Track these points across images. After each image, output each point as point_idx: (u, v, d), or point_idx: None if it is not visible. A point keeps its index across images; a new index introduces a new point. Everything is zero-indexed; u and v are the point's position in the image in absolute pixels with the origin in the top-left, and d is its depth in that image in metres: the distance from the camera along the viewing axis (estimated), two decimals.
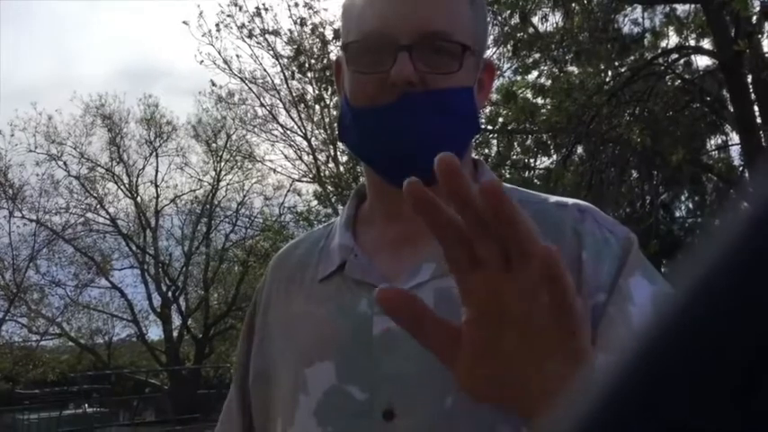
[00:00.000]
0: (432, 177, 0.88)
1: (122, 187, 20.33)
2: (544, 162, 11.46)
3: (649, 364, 0.21)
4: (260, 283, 1.04)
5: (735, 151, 11.30)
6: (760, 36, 8.73)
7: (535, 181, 10.62)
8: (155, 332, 21.47)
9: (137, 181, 20.52)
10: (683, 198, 13.75)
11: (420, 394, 0.81)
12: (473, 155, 1.00)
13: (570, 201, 0.92)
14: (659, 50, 10.38)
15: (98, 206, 20.18)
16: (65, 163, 19.67)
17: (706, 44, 9.94)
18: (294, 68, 12.48)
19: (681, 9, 10.49)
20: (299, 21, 12.44)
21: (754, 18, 8.29)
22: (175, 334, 20.69)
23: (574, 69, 10.43)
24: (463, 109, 0.88)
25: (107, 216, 20.27)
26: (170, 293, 20.56)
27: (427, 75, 0.84)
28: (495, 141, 11.09)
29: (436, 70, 0.84)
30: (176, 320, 20.84)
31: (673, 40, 10.79)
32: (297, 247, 1.03)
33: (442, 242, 0.55)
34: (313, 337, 0.89)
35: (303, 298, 0.94)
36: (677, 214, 13.66)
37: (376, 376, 0.83)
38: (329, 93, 12.16)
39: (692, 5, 9.70)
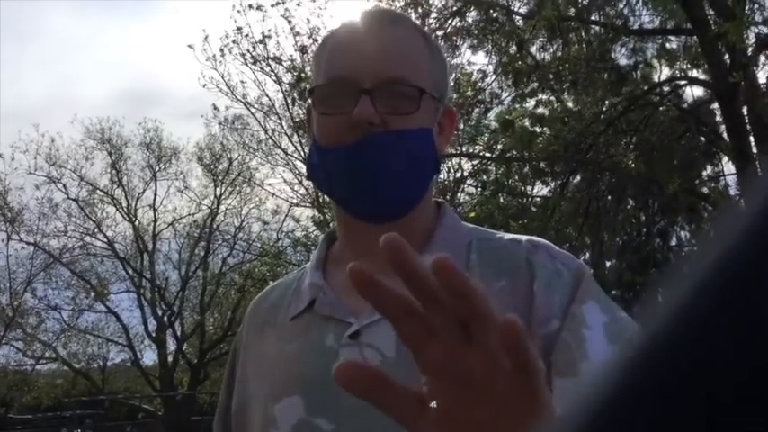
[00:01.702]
0: (392, 212, 0.94)
1: (121, 211, 20.35)
2: (542, 190, 11.52)
3: (615, 399, 0.22)
4: (239, 330, 1.09)
5: (731, 180, 11.36)
6: (755, 68, 8.83)
7: (532, 208, 10.67)
8: (149, 357, 21.35)
9: (136, 204, 20.55)
10: (678, 227, 13.79)
11: (382, 425, 0.84)
12: (444, 195, 1.04)
13: (524, 237, 0.97)
14: (656, 80, 10.49)
15: (96, 230, 20.17)
16: (64, 186, 19.70)
17: (700, 75, 10.05)
18: (295, 95, 12.58)
19: (676, 40, 10.61)
20: (300, 48, 12.54)
21: (750, 50, 8.40)
22: (170, 359, 20.55)
23: (571, 98, 10.52)
24: (422, 148, 0.94)
25: (105, 240, 20.25)
26: (166, 318, 20.46)
27: (387, 116, 0.90)
28: (492, 168, 11.14)
29: (395, 111, 0.91)
30: (171, 345, 20.72)
31: (669, 70, 10.91)
32: (271, 291, 1.08)
33: (391, 320, 0.53)
34: (283, 373, 0.94)
35: (276, 337, 0.99)
36: (673, 242, 13.68)
37: (342, 408, 0.87)
38: None
39: (687, 37, 9.82)
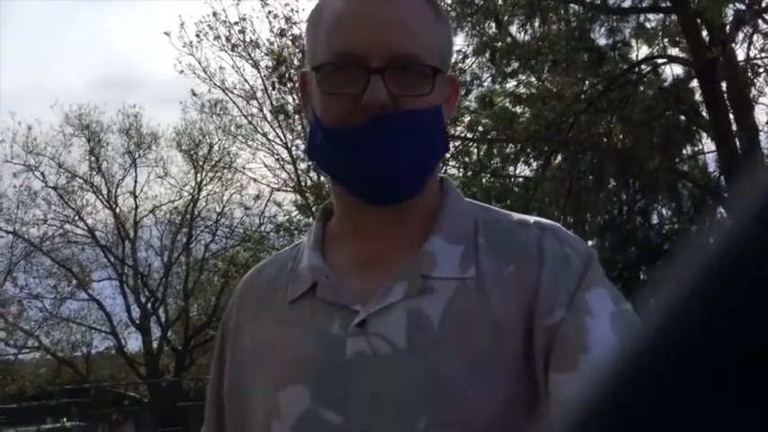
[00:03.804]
0: (401, 195, 0.90)
1: (101, 198, 20.17)
2: (524, 170, 11.55)
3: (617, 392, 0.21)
4: (227, 311, 1.03)
5: (711, 158, 11.45)
6: (733, 44, 8.87)
7: (514, 189, 10.70)
8: (134, 344, 21.27)
9: (116, 192, 20.38)
10: (658, 205, 13.90)
11: (394, 416, 0.81)
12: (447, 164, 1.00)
13: (532, 219, 0.93)
14: (636, 60, 10.51)
15: (76, 217, 19.99)
16: (42, 174, 19.48)
17: (679, 53, 10.08)
18: (275, 79, 12.48)
19: (654, 19, 10.63)
20: (278, 32, 12.43)
21: (728, 27, 8.43)
22: (155, 346, 20.49)
23: (551, 78, 10.52)
24: (434, 128, 0.89)
25: (85, 227, 20.08)
26: (149, 305, 20.37)
27: (400, 96, 0.84)
28: (474, 149, 11.14)
29: (408, 92, 0.85)
30: (156, 332, 20.66)
31: (648, 49, 10.93)
32: (263, 269, 1.02)
33: None
34: (285, 360, 0.89)
35: (273, 320, 0.93)
36: (654, 221, 13.79)
37: (350, 399, 0.83)
38: None
39: (666, 15, 9.83)
